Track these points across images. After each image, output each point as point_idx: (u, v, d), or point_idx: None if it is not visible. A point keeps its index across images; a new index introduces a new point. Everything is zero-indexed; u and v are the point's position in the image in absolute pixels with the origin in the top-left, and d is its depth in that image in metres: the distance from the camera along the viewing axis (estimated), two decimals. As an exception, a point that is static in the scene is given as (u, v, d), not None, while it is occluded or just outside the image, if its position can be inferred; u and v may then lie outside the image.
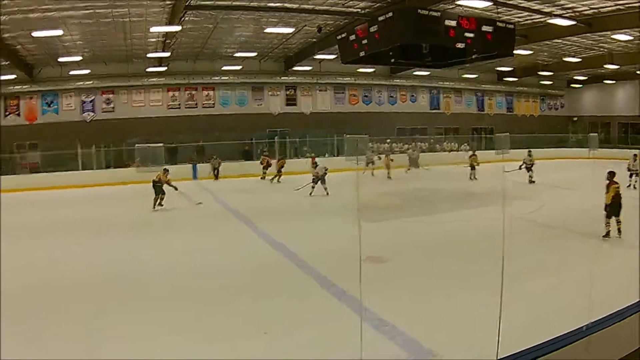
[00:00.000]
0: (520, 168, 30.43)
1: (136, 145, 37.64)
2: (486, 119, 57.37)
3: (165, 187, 23.14)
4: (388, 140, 45.38)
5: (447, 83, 53.72)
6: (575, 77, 58.60)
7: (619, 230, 15.65)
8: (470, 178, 32.56)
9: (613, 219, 15.73)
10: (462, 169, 33.91)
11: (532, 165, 30.42)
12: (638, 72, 50.26)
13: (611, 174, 16.04)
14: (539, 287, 11.66)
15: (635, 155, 29.27)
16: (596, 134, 54.68)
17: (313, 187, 25.22)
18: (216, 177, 36.04)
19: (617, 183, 15.86)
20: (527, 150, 31.81)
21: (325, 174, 25.40)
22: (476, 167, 32.88)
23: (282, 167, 33.36)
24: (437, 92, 54.37)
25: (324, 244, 14.35)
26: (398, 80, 50.46)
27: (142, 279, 12.73)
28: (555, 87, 62.30)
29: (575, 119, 63.31)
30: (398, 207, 23.87)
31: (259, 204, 24.70)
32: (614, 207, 15.61)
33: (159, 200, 23.25)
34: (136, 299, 11.05)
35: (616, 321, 6.91)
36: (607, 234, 15.69)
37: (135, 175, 31.82)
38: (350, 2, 26.17)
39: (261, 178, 34.39)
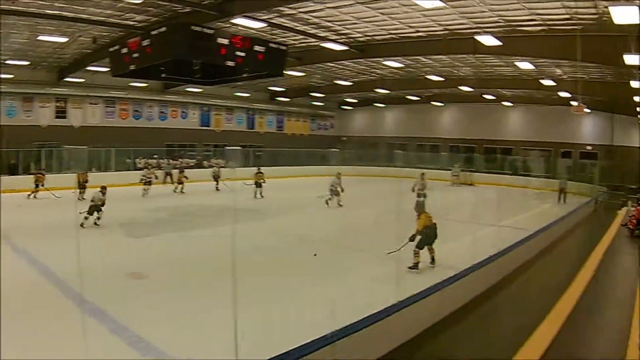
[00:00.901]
0: (330, 197, 28.54)
1: None
2: (256, 136, 58.18)
3: None
4: (155, 156, 44.58)
5: (219, 100, 53.86)
6: (346, 100, 61.21)
7: (433, 259, 15.27)
8: (256, 196, 32.26)
9: (425, 250, 15.15)
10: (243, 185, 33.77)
11: (339, 190, 28.59)
12: (407, 97, 52.81)
13: (420, 205, 16.05)
14: (297, 296, 11.96)
15: (422, 174, 29.79)
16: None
17: (86, 218, 21.54)
18: None
19: (427, 212, 15.68)
20: (337, 173, 30.19)
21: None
22: (263, 184, 32.66)
23: (87, 181, 30.85)
24: (208, 109, 54.24)
25: (86, 261, 13.84)
26: (170, 96, 49.82)
27: None
28: (326, 109, 64.81)
29: (344, 138, 66.16)
30: (164, 223, 23.62)
31: (22, 221, 22.93)
32: (427, 237, 15.08)
33: None
34: None
35: (360, 328, 7.14)
36: (416, 265, 14.92)
37: None
38: (128, 15, 25.60)
39: (29, 196, 30.24)
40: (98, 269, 13.30)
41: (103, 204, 21.94)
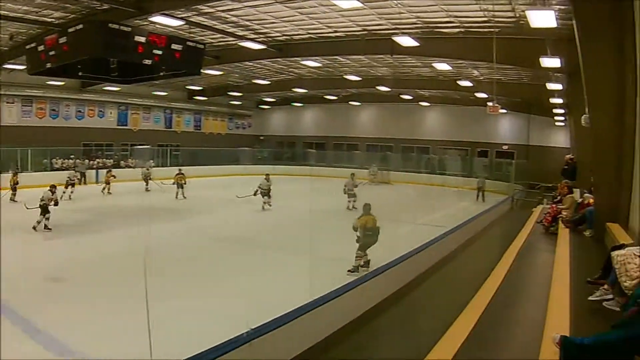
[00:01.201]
0: (255, 194, 28.43)
1: None
2: (174, 136, 57.65)
3: None
4: (72, 156, 43.35)
5: (137, 99, 52.82)
6: (265, 99, 61.65)
7: (367, 262, 14.92)
8: (177, 197, 32.11)
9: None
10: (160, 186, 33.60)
11: (269, 191, 28.46)
12: (325, 96, 53.12)
13: (367, 207, 15.98)
14: (211, 296, 11.98)
15: (352, 174, 29.77)
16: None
17: (47, 219, 21.04)
18: None
19: (372, 215, 15.55)
20: (265, 174, 30.00)
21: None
22: (184, 185, 32.51)
23: (17, 183, 29.64)
24: (125, 108, 53.09)
25: (5, 264, 13.61)
26: (87, 95, 48.41)
27: None
28: (244, 107, 64.71)
29: (262, 138, 66.59)
30: (86, 224, 23.25)
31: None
32: (369, 239, 14.88)
33: None
34: None
35: (276, 327, 7.16)
36: (357, 268, 14.63)
37: None
38: (45, 12, 25.10)
39: None
40: (18, 272, 13.08)
41: (56, 203, 21.65)
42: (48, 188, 21.94)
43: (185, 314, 10.71)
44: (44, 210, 21.03)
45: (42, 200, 21.20)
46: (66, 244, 18.78)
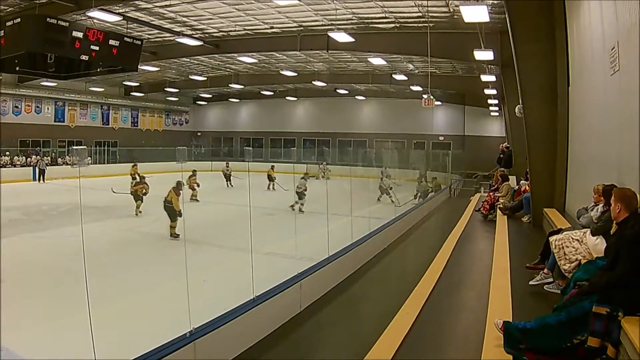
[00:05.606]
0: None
1: None
2: (111, 132, 56.88)
3: None
4: (7, 153, 42.78)
5: (73, 95, 51.93)
6: (201, 95, 61.40)
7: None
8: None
9: None
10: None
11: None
12: (261, 92, 53.21)
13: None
14: (149, 297, 11.97)
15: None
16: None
17: None
18: None
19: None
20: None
21: None
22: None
23: None
24: (62, 104, 52.12)
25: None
26: (24, 90, 47.28)
27: None
28: (181, 104, 64.36)
29: (199, 134, 66.38)
30: (19, 222, 22.85)
31: None
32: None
33: None
34: None
35: (221, 324, 7.18)
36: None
37: None
38: (-14, 6, 24.65)
39: None
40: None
41: None
42: None
43: (130, 312, 10.68)
44: None
45: None
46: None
